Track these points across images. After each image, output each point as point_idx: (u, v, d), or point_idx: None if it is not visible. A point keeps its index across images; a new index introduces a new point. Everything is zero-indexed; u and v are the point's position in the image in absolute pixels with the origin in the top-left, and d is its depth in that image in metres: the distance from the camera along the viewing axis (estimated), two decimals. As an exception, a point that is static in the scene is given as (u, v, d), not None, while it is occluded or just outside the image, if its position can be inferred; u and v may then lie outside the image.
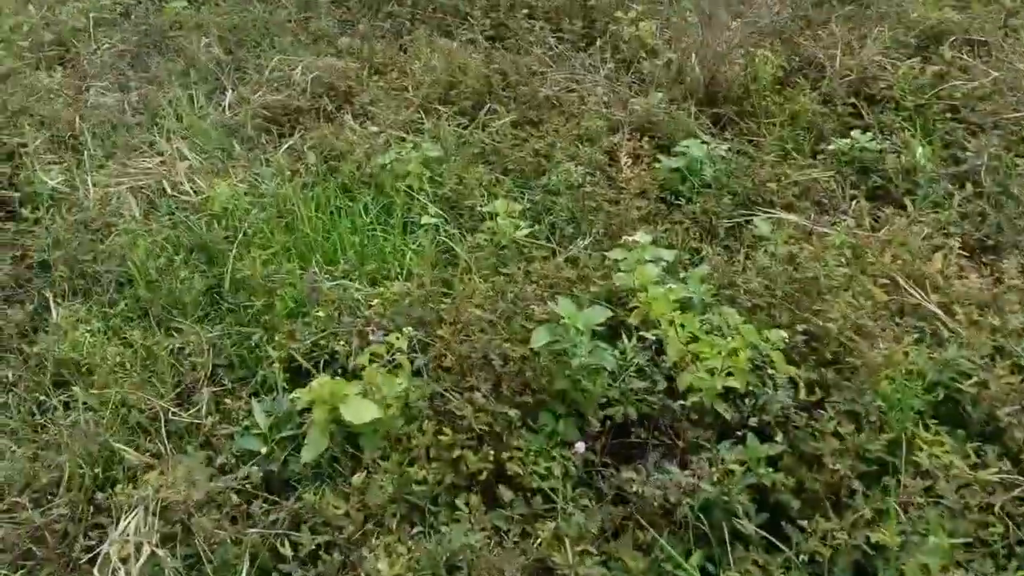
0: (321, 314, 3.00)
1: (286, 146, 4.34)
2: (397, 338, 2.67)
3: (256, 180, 3.99)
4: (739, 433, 2.70)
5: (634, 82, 4.75)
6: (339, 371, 2.82)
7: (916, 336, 3.04)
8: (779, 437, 2.65)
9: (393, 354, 2.67)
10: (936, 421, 2.75)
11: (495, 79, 4.72)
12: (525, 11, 5.31)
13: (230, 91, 4.93)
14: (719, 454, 2.66)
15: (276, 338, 2.97)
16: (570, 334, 2.79)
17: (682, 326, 2.77)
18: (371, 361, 2.65)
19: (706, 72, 4.57)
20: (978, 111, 4.38)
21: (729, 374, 2.73)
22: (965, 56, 4.75)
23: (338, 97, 4.81)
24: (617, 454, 2.81)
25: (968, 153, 4.10)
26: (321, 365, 2.89)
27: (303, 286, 3.17)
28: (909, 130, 4.33)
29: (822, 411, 2.75)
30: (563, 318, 2.80)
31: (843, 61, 4.72)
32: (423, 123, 4.45)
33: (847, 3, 5.34)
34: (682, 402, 2.66)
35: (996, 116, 4.32)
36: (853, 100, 4.55)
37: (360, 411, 2.46)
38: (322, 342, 2.93)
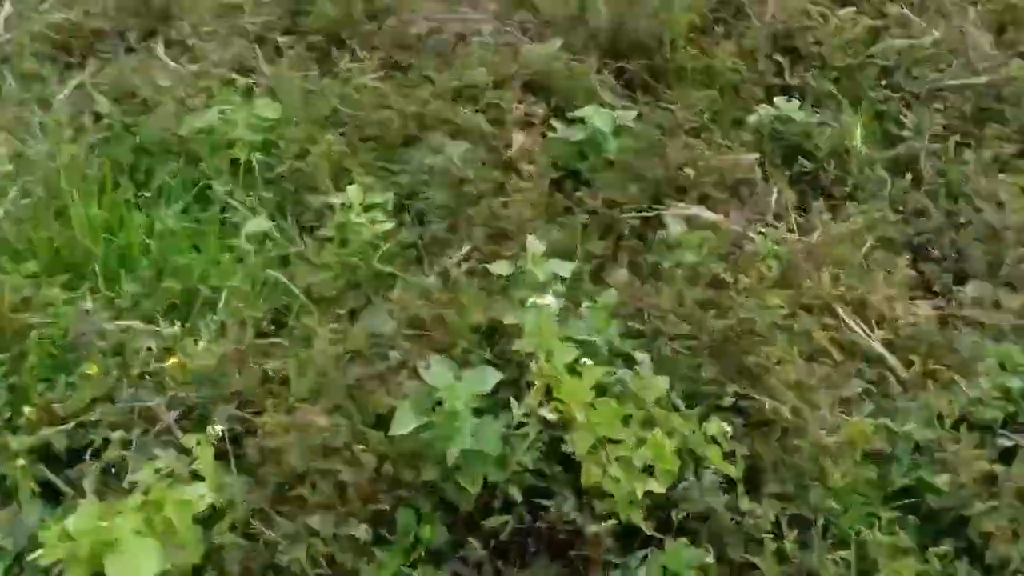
0: (93, 372, 2.12)
1: (73, 85, 3.32)
2: (198, 442, 1.85)
3: (24, 139, 2.98)
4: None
5: (528, 21, 3.88)
6: (111, 470, 1.98)
7: (859, 389, 2.50)
8: (708, 553, 2.07)
9: (192, 461, 1.86)
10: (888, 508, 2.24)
11: (356, 5, 3.78)
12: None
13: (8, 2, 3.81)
14: (632, 569, 2.07)
15: (25, 411, 2.07)
16: (446, 408, 2.08)
17: (592, 406, 2.09)
18: (157, 473, 1.83)
19: (613, 14, 3.77)
20: (916, 78, 3.80)
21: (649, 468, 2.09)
22: (905, 8, 4.12)
23: (151, 16, 3.77)
24: (501, 551, 2.18)
25: (906, 132, 3.55)
26: (88, 453, 2.03)
27: (71, 322, 2.25)
28: (837, 97, 3.71)
29: (757, 504, 2.18)
30: (436, 389, 2.09)
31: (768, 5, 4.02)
32: (258, 61, 3.50)
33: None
34: (594, 525, 2.00)
35: (935, 84, 3.76)
36: (777, 57, 3.89)
37: (135, 567, 1.67)
38: (91, 419, 2.05)
